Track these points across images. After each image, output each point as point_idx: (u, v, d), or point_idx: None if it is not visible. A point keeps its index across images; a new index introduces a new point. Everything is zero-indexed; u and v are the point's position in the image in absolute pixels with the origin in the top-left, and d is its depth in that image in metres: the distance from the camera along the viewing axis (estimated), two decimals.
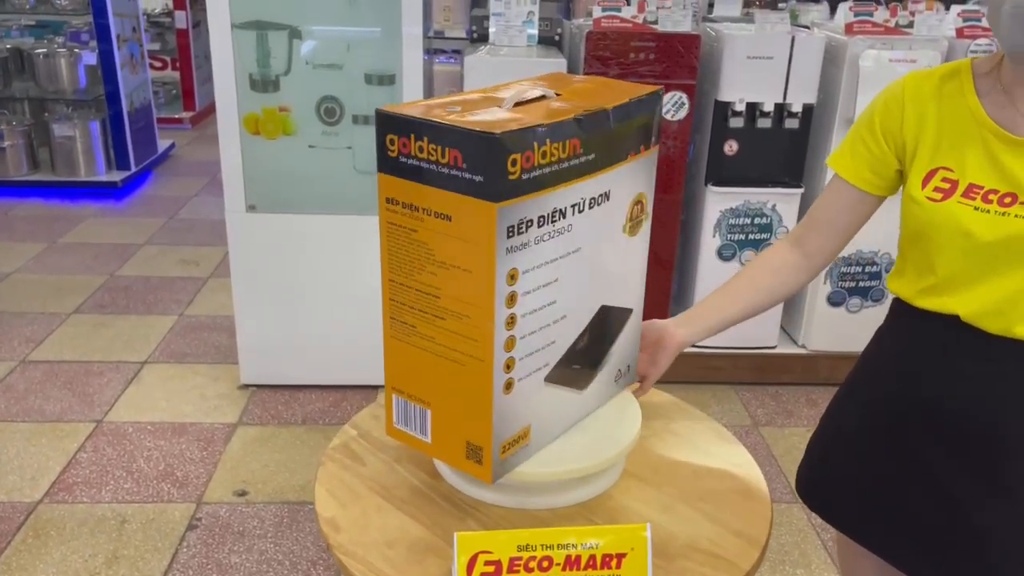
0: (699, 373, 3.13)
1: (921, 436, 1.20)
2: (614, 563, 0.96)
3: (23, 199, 5.17)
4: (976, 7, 3.12)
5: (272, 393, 3.07)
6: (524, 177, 0.92)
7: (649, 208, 1.17)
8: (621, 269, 1.16)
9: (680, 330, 1.27)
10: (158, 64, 7.13)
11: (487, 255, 0.93)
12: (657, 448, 1.29)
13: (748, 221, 3.08)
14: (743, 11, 3.62)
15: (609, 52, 2.88)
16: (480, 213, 0.92)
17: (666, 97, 2.91)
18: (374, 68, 2.77)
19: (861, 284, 3.15)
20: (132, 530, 2.37)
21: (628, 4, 2.94)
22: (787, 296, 1.33)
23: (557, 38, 3.40)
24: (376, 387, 3.09)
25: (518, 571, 0.94)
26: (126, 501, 2.49)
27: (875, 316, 1.37)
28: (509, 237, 0.93)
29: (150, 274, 4.13)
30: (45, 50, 5.31)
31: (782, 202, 3.07)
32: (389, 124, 0.96)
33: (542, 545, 0.95)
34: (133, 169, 5.45)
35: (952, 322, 1.14)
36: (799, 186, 3.06)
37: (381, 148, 0.98)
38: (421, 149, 0.94)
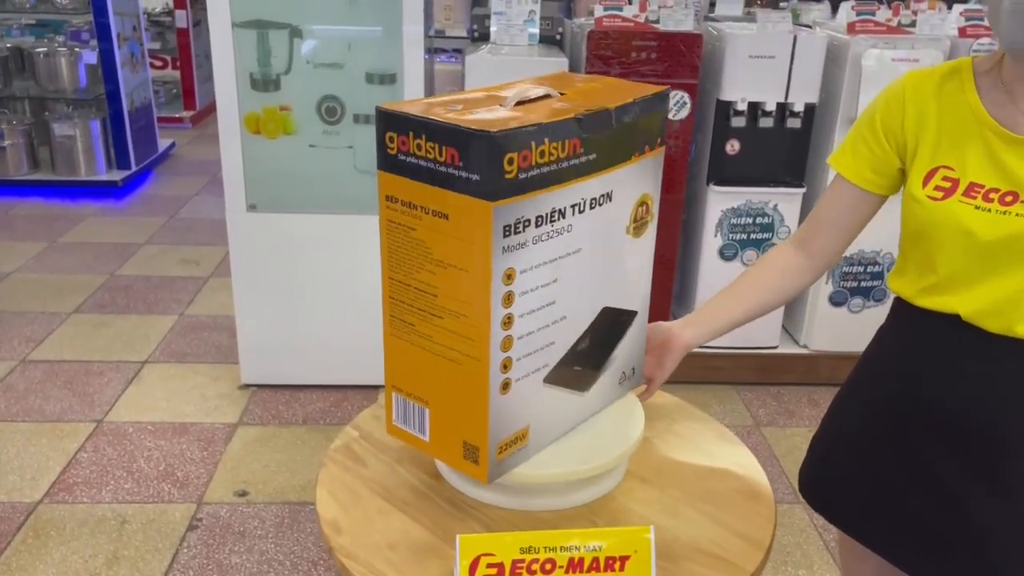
0: (701, 373, 3.12)
1: (922, 435, 1.20)
2: (617, 566, 0.95)
3: (23, 198, 5.16)
4: (978, 6, 3.11)
5: (273, 393, 3.07)
6: (521, 176, 0.92)
7: (655, 209, 1.16)
8: (625, 271, 1.15)
9: (686, 332, 1.26)
10: (158, 63, 7.12)
11: (483, 254, 0.93)
12: (660, 449, 1.28)
13: (750, 221, 3.08)
14: (745, 10, 3.61)
15: (611, 51, 2.87)
16: (476, 212, 0.91)
17: None
18: (375, 67, 2.76)
19: (863, 284, 3.14)
20: (132, 530, 2.36)
21: (630, 3, 2.94)
22: (792, 297, 1.33)
23: (558, 37, 3.39)
24: (377, 387, 3.08)
25: (520, 573, 0.94)
26: (126, 501, 2.48)
27: (877, 316, 1.36)
28: (506, 236, 0.93)
29: (150, 274, 4.13)
30: (45, 49, 5.31)
31: (784, 202, 3.06)
32: (389, 122, 0.97)
33: (545, 547, 0.95)
34: (133, 168, 5.45)
35: (953, 321, 1.14)
36: (801, 186, 3.05)
37: (381, 146, 0.98)
38: (419, 147, 0.94)
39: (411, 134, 0.94)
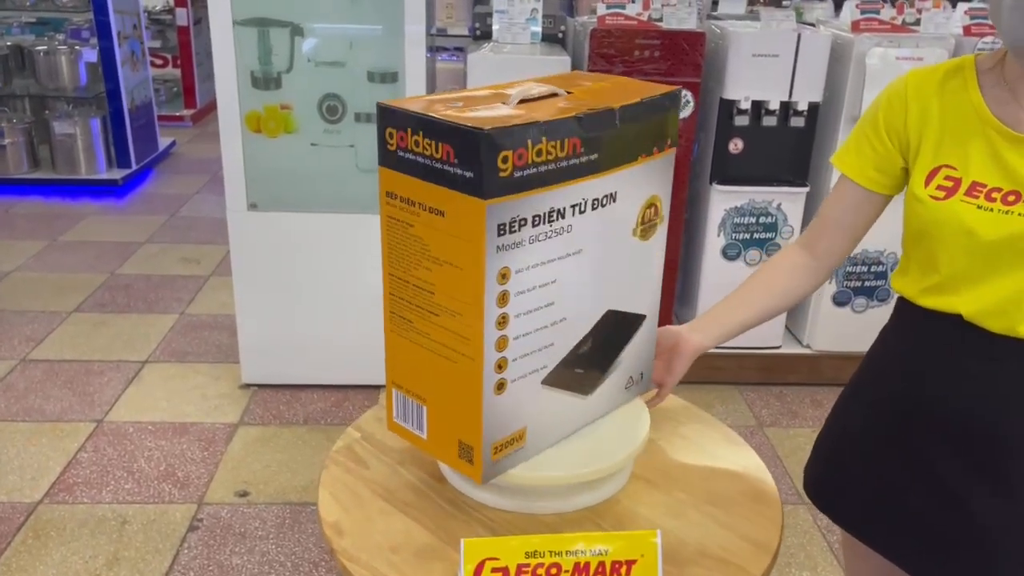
0: (703, 373, 3.10)
1: (925, 435, 1.19)
2: (623, 570, 0.94)
3: (23, 197, 5.15)
4: (982, 4, 3.09)
5: (273, 393, 3.06)
6: (517, 175, 0.91)
7: (665, 212, 1.14)
8: (631, 273, 1.13)
9: (695, 335, 1.25)
10: (159, 61, 7.12)
11: (476, 252, 0.92)
12: (665, 452, 1.27)
13: (753, 220, 3.06)
14: (747, 8, 3.60)
15: (613, 50, 2.86)
16: (470, 210, 0.91)
17: None
18: (377, 66, 2.75)
19: (867, 284, 3.13)
20: (133, 531, 2.35)
21: (632, 1, 2.92)
22: (800, 299, 1.32)
23: (561, 35, 3.38)
24: (378, 387, 3.07)
25: None
26: (127, 502, 2.47)
27: (881, 316, 1.35)
28: (500, 235, 0.92)
29: (151, 272, 4.12)
30: (46, 47, 5.30)
31: (787, 201, 3.05)
32: (388, 117, 0.97)
33: (550, 552, 0.93)
34: (134, 167, 5.44)
35: (956, 321, 1.13)
36: (804, 185, 3.04)
37: (381, 142, 0.98)
38: (417, 143, 0.94)
39: (409, 130, 0.94)
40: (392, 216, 1.00)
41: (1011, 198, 1.07)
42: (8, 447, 2.71)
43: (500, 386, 1.01)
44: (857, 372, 1.34)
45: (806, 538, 2.42)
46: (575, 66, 3.03)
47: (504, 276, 0.95)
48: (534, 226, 0.95)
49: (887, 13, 2.96)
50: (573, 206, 0.99)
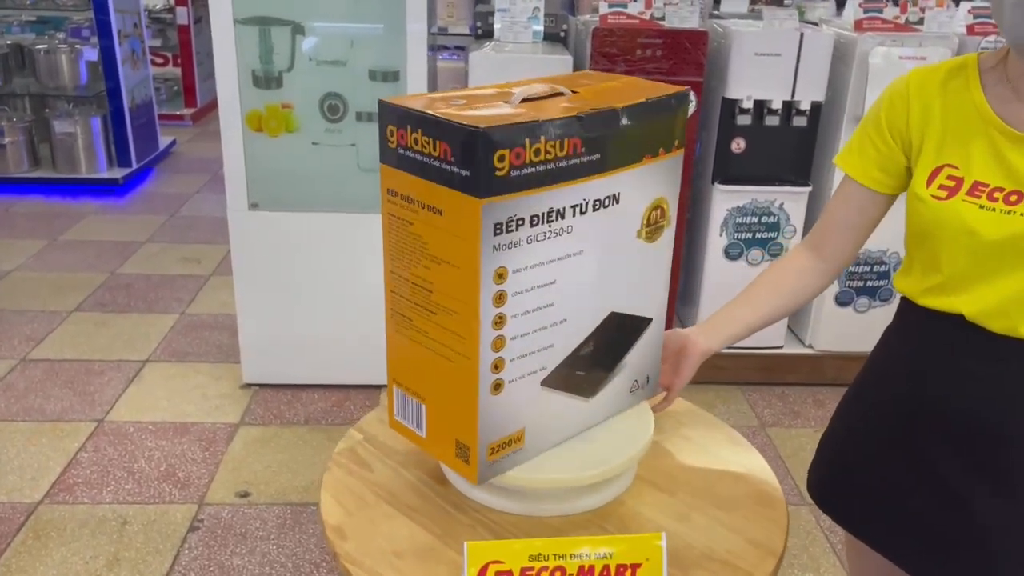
0: (705, 373, 3.05)
1: (928, 435, 1.19)
2: (628, 573, 0.93)
3: (24, 196, 5.14)
4: (986, 3, 3.09)
5: (274, 393, 3.05)
6: (514, 174, 0.90)
7: (672, 214, 1.13)
8: (636, 276, 1.12)
9: (703, 338, 1.24)
10: (159, 60, 7.11)
11: (472, 251, 0.92)
12: (670, 453, 1.26)
13: (755, 220, 3.06)
14: (750, 7, 3.59)
15: (616, 49, 2.85)
16: (466, 208, 0.91)
17: None
18: (378, 65, 2.74)
19: (869, 284, 3.12)
20: (133, 531, 2.35)
21: (635, 0, 2.91)
22: (807, 301, 1.31)
23: (562, 34, 3.37)
24: (379, 386, 3.06)
25: None
26: (127, 502, 2.47)
27: (883, 316, 1.35)
28: (496, 235, 0.92)
29: (151, 272, 4.11)
30: (46, 46, 5.29)
31: (790, 201, 3.04)
32: (390, 115, 0.97)
33: (554, 555, 0.93)
34: (134, 166, 5.43)
35: (958, 322, 1.13)
36: (807, 185, 3.03)
37: (383, 139, 0.99)
38: (416, 141, 0.94)
39: (409, 127, 0.95)
40: (392, 214, 1.01)
41: (1013, 198, 1.06)
42: (8, 447, 2.70)
43: (497, 386, 1.00)
44: (860, 373, 1.34)
45: (809, 539, 2.41)
46: (576, 65, 3.02)
47: (501, 276, 0.94)
48: (532, 226, 0.95)
49: (890, 12, 2.95)
50: (574, 206, 0.98)
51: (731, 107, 2.94)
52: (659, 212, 1.11)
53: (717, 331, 1.26)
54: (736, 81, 2.91)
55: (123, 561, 2.24)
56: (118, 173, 5.33)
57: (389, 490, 1.15)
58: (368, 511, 1.11)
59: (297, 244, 2.89)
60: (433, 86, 3.11)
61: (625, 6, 2.90)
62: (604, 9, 2.90)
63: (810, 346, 3.24)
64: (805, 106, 2.92)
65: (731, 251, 3.09)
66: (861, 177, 1.21)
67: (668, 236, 1.14)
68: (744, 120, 2.95)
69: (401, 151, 0.96)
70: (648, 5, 2.91)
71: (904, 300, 1.23)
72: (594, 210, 1.01)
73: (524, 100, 1.00)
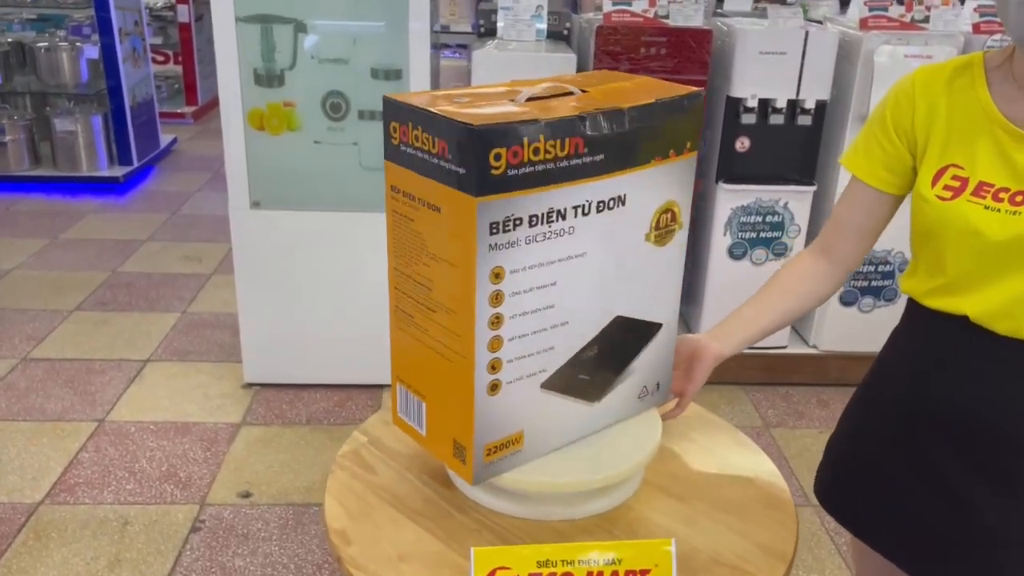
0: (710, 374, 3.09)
1: (930, 436, 1.18)
2: None
3: (24, 194, 5.13)
4: (992, 1, 3.07)
5: (276, 392, 3.04)
6: (511, 173, 0.89)
7: (684, 218, 1.11)
8: (645, 280, 1.10)
9: (715, 343, 1.23)
10: (160, 58, 7.09)
11: (468, 250, 0.91)
12: (677, 457, 1.25)
13: (760, 219, 3.04)
14: (754, 5, 3.57)
15: (619, 47, 2.84)
16: (462, 206, 0.90)
17: None
18: (380, 63, 2.73)
19: (874, 283, 3.11)
20: (134, 532, 2.33)
21: None
22: (817, 304, 1.30)
23: (566, 33, 3.36)
24: (382, 386, 3.05)
25: None
26: (128, 502, 2.45)
27: (887, 316, 1.34)
28: (493, 234, 0.91)
29: (152, 270, 4.10)
30: (47, 44, 5.28)
31: (794, 200, 3.03)
32: (393, 111, 0.98)
33: (562, 561, 0.92)
34: (135, 164, 5.42)
35: (962, 322, 1.12)
36: (812, 184, 3.02)
37: (387, 136, 0.99)
38: (416, 138, 0.94)
39: (410, 124, 0.94)
40: (396, 210, 1.01)
41: (1019, 198, 1.05)
42: (9, 447, 2.69)
43: (494, 387, 0.99)
44: (868, 374, 1.33)
45: (814, 540, 2.40)
46: (580, 63, 3.00)
47: (498, 276, 0.93)
48: (531, 226, 0.94)
49: (895, 10, 2.93)
50: (576, 207, 0.97)
51: (735, 106, 2.92)
52: (670, 215, 1.09)
53: (730, 336, 1.24)
54: (740, 80, 2.89)
55: (124, 562, 2.23)
56: (119, 171, 5.31)
57: (393, 493, 1.14)
58: (372, 515, 1.10)
59: (299, 243, 2.88)
60: (436, 84, 3.09)
61: (629, 4, 2.89)
62: (608, 7, 2.88)
63: (814, 346, 3.22)
64: (810, 105, 2.90)
65: (735, 250, 3.08)
66: (867, 177, 1.20)
67: (680, 240, 1.12)
68: (748, 119, 2.93)
69: (403, 148, 0.96)
70: (652, 3, 2.90)
71: (910, 301, 1.23)
72: (598, 212, 0.99)
73: (531, 99, 0.99)
